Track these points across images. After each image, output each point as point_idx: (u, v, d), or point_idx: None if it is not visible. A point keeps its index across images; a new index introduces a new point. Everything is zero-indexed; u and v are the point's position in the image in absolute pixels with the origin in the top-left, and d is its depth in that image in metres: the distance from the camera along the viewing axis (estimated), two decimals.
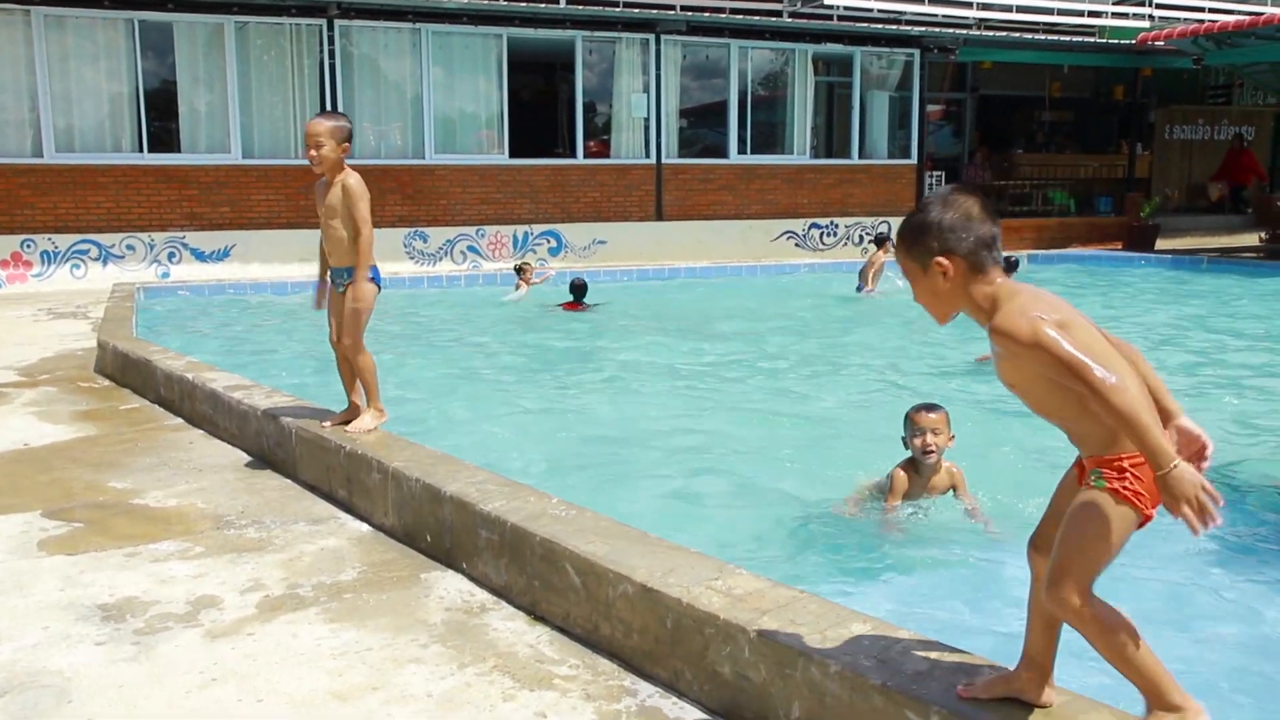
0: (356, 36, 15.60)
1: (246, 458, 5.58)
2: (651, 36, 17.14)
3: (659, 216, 17.54)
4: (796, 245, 18.38)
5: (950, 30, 19.34)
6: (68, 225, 14.18)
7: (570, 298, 12.34)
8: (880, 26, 18.54)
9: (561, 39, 16.75)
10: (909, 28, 18.82)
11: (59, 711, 2.90)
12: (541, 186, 16.79)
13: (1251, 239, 19.73)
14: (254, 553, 4.11)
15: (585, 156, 17.28)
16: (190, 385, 6.42)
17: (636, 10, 16.91)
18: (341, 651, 3.24)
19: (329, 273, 5.07)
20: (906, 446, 4.93)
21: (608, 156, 17.49)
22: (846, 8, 18.43)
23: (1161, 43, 18.71)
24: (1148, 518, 2.20)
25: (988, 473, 5.31)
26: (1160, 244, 19.40)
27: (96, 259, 14.29)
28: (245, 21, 14.89)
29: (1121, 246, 19.54)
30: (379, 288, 5.08)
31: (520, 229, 16.60)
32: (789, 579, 3.24)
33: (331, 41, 15.26)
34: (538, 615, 3.50)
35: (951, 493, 4.91)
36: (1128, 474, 2.17)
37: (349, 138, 4.92)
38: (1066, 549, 2.20)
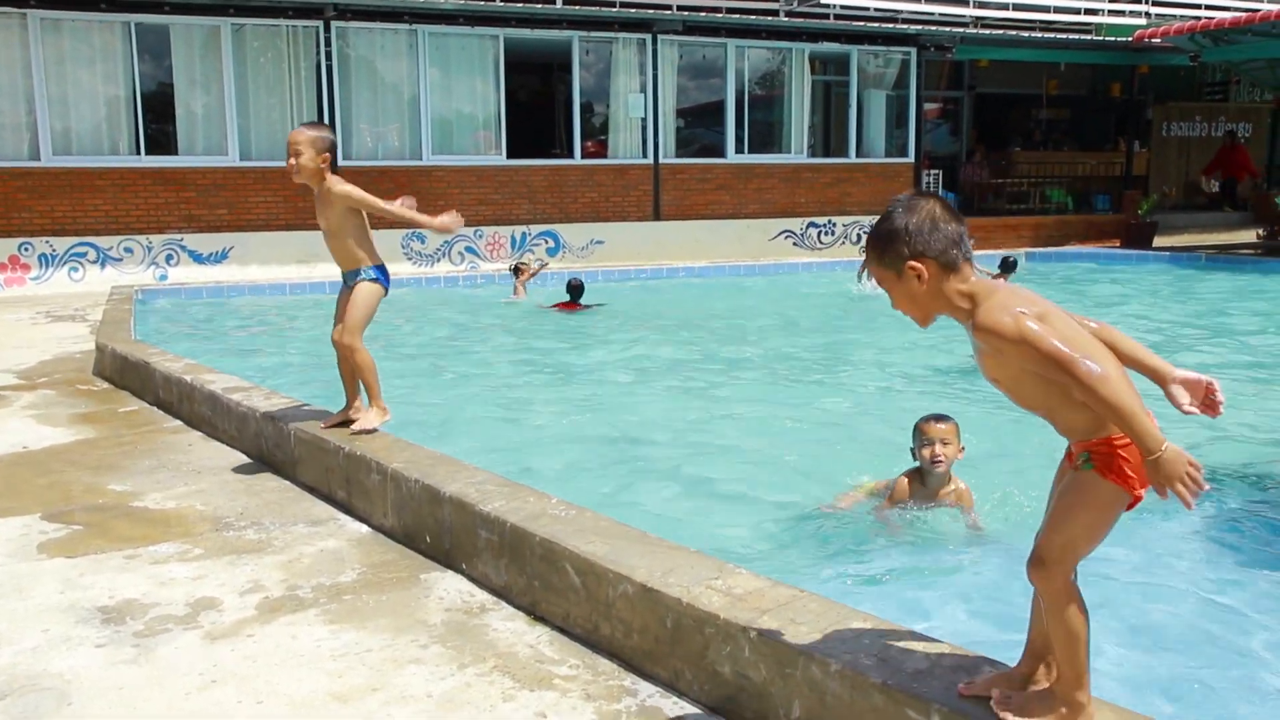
0: (353, 38, 15.59)
1: (245, 459, 5.58)
2: (648, 36, 17.14)
3: (657, 216, 17.54)
4: (794, 244, 18.38)
5: (947, 28, 19.35)
6: (65, 228, 14.17)
7: (567, 298, 12.34)
8: (877, 25, 18.54)
9: (558, 39, 16.75)
10: (906, 26, 18.83)
11: (59, 714, 2.89)
12: (539, 187, 16.79)
13: (1249, 236, 19.73)
14: (253, 554, 4.11)
15: (583, 157, 17.27)
16: (189, 387, 6.42)
17: (633, 10, 16.91)
18: (341, 653, 3.24)
19: (344, 275, 5.09)
20: (914, 457, 4.83)
21: (605, 157, 17.48)
22: (843, 7, 18.44)
23: (1158, 40, 18.73)
24: (1137, 498, 2.25)
25: (988, 472, 5.31)
26: (1158, 241, 19.41)
27: (94, 262, 14.28)
28: (242, 24, 14.88)
29: (1119, 244, 19.54)
30: (385, 289, 5.09)
31: (518, 229, 16.60)
32: (789, 578, 3.24)
33: (328, 43, 15.25)
34: (538, 615, 3.50)
35: (958, 510, 4.80)
36: (1115, 455, 2.21)
37: (330, 149, 4.93)
38: (1055, 528, 2.25)
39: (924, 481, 4.79)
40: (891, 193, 18.77)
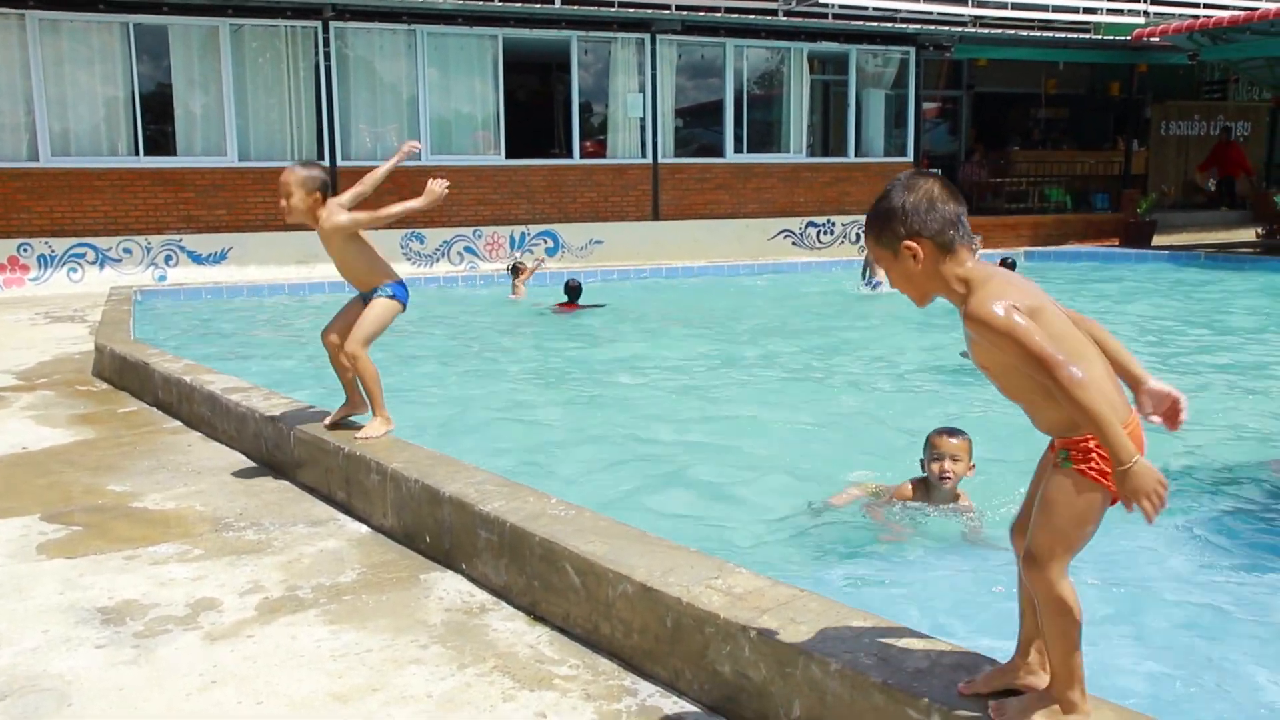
0: (351, 38, 15.58)
1: (245, 460, 5.58)
2: (647, 36, 17.14)
3: (656, 216, 17.54)
4: (794, 244, 18.38)
5: (946, 28, 19.34)
6: (64, 229, 14.17)
7: (565, 298, 12.34)
8: (875, 24, 18.54)
9: (557, 39, 16.74)
10: (904, 25, 18.83)
11: (59, 715, 2.89)
12: (538, 187, 16.78)
13: (1248, 234, 19.74)
14: (253, 555, 4.11)
15: (582, 157, 17.27)
16: (188, 388, 6.42)
17: (631, 10, 16.90)
18: (341, 653, 3.24)
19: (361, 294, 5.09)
20: (923, 468, 4.75)
21: (604, 156, 17.48)
22: (842, 6, 18.44)
23: (1157, 38, 18.72)
24: (1117, 495, 2.25)
25: (988, 474, 5.31)
26: (1157, 240, 19.42)
27: (93, 262, 14.28)
28: (240, 24, 14.88)
29: (1118, 243, 19.55)
30: (403, 306, 5.09)
31: (517, 229, 16.60)
32: (789, 578, 3.24)
33: (327, 44, 15.24)
34: (537, 615, 3.50)
35: (959, 515, 4.73)
36: (1093, 454, 2.22)
37: (322, 187, 4.93)
38: (1041, 527, 2.26)
39: (928, 493, 4.72)
40: None
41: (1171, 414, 2.39)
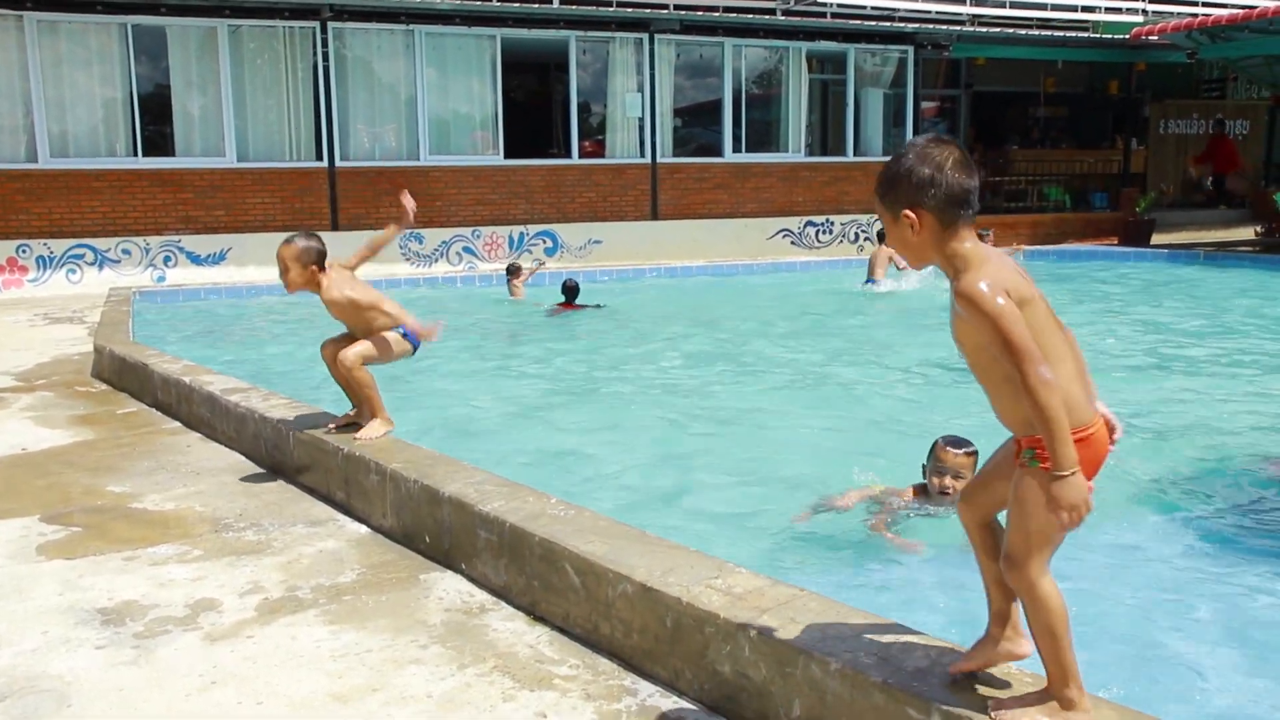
0: (350, 39, 15.58)
1: (244, 461, 5.57)
2: (645, 36, 17.13)
3: (655, 216, 17.54)
4: (792, 243, 18.38)
5: (944, 27, 19.35)
6: (63, 230, 14.16)
7: (563, 299, 12.34)
8: (874, 24, 18.54)
9: (555, 39, 16.74)
10: (903, 24, 18.83)
11: (59, 716, 2.89)
12: (537, 187, 16.78)
13: (1247, 233, 19.75)
14: (253, 555, 4.11)
15: (580, 156, 17.27)
16: (187, 388, 6.42)
17: (630, 10, 16.90)
18: (341, 653, 3.24)
19: None
20: (924, 475, 4.63)
21: (603, 156, 17.48)
22: (840, 5, 18.44)
23: (1155, 37, 18.72)
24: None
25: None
26: (1156, 239, 19.43)
27: (92, 263, 14.27)
28: (238, 25, 14.87)
29: (1117, 242, 19.56)
30: (412, 349, 5.07)
31: (516, 229, 16.59)
32: (789, 577, 3.24)
33: (325, 44, 15.24)
34: (537, 615, 3.50)
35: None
36: None
37: (318, 259, 4.90)
38: (1016, 531, 2.27)
39: (928, 498, 4.65)
40: None
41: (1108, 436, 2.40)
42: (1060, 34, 20.56)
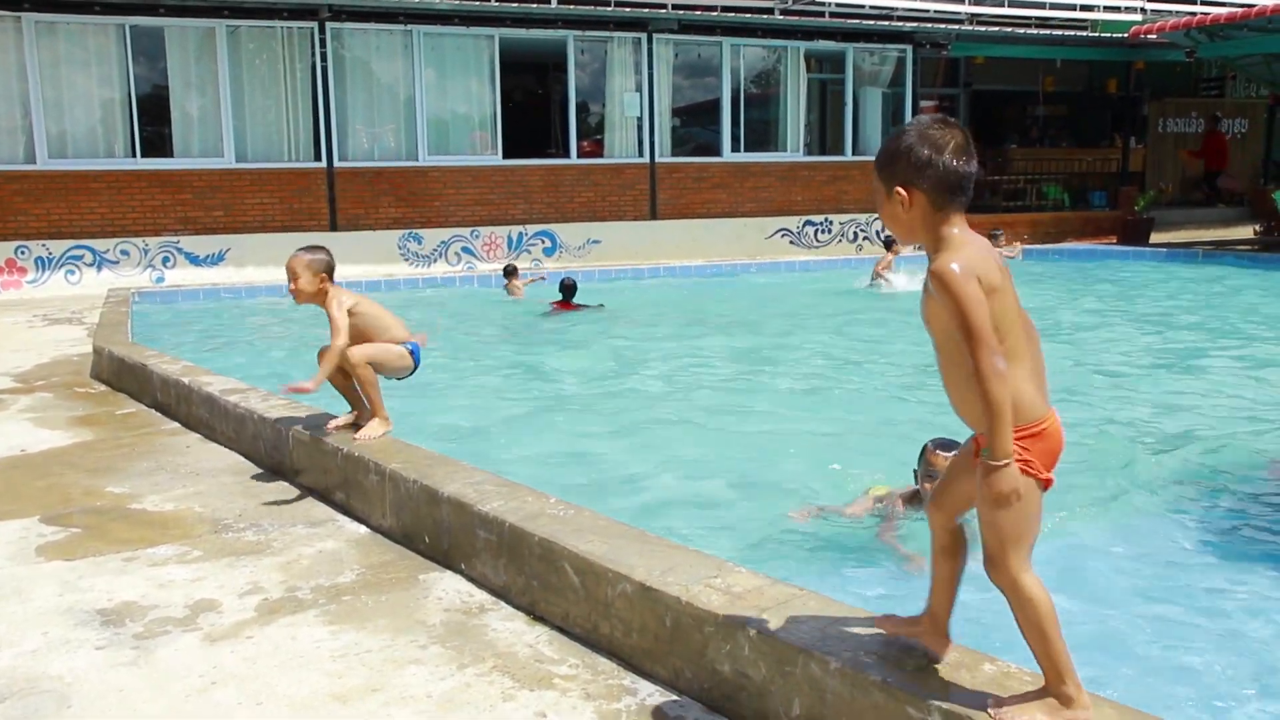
0: (348, 39, 15.58)
1: (244, 461, 5.57)
2: (643, 35, 17.13)
3: (653, 215, 17.54)
4: (791, 243, 18.39)
5: (942, 25, 19.35)
6: (61, 231, 14.16)
7: (560, 297, 12.34)
8: (872, 23, 18.55)
9: (553, 39, 16.74)
10: (901, 24, 18.84)
11: (59, 716, 2.89)
12: (535, 187, 16.78)
13: (1246, 231, 19.76)
14: (252, 556, 4.11)
15: (579, 156, 17.27)
16: (186, 389, 6.41)
17: (628, 9, 16.91)
18: (341, 653, 3.24)
19: None
20: (916, 479, 4.59)
21: (601, 156, 17.48)
22: (838, 4, 18.46)
23: (1154, 36, 18.72)
24: (1048, 481, 2.30)
25: None
26: (1155, 237, 19.44)
27: (91, 264, 14.27)
28: (237, 25, 14.87)
29: (1116, 240, 19.56)
30: (413, 366, 5.08)
31: (515, 230, 16.59)
32: (788, 577, 3.24)
33: (323, 44, 15.23)
34: (537, 615, 3.50)
35: None
36: (1015, 447, 2.25)
37: (328, 269, 4.88)
38: (989, 531, 2.29)
39: (921, 507, 4.61)
40: None
41: None
42: (1059, 33, 20.57)
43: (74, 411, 6.92)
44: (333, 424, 5.05)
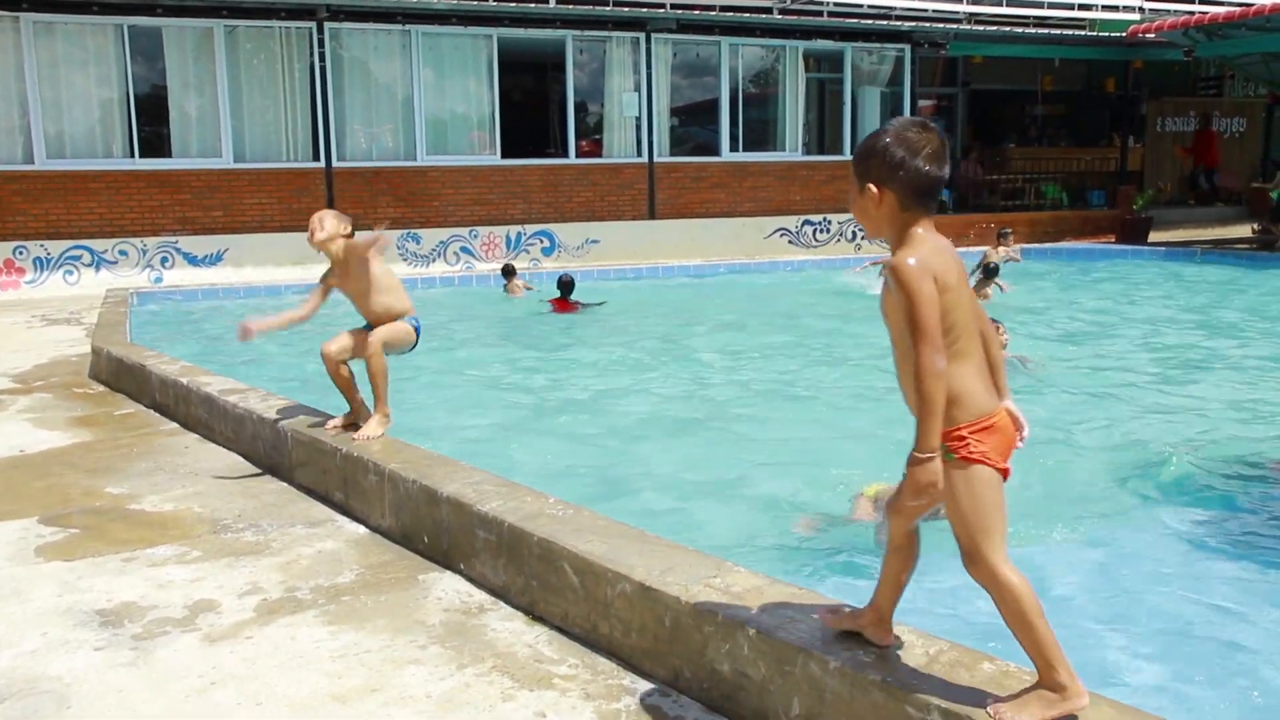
0: (346, 39, 15.57)
1: (243, 461, 5.57)
2: (642, 35, 17.13)
3: (652, 215, 17.53)
4: (790, 242, 18.39)
5: (941, 25, 19.35)
6: (60, 231, 14.15)
7: (558, 294, 12.34)
8: (871, 22, 18.54)
9: (552, 39, 16.74)
10: (899, 23, 18.84)
11: (58, 717, 2.89)
12: (534, 187, 16.78)
13: (1244, 230, 19.77)
14: (251, 556, 4.11)
15: (577, 156, 17.26)
16: (185, 390, 6.41)
17: (626, 9, 16.90)
18: (340, 654, 3.24)
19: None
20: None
21: (600, 156, 17.47)
22: (836, 4, 18.45)
23: (1152, 35, 18.73)
24: (1005, 471, 2.36)
25: None
26: (1153, 236, 19.44)
27: (89, 265, 14.26)
28: (235, 25, 14.86)
29: (1115, 240, 19.57)
30: (415, 343, 5.14)
31: (513, 229, 16.59)
32: (788, 576, 3.24)
33: (321, 44, 15.22)
34: (536, 615, 3.50)
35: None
36: (968, 440, 2.32)
37: (351, 232, 5.04)
38: (961, 527, 2.35)
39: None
40: None
41: (1015, 432, 2.48)
42: (1057, 32, 20.57)
43: (73, 412, 6.91)
44: (331, 424, 5.05)
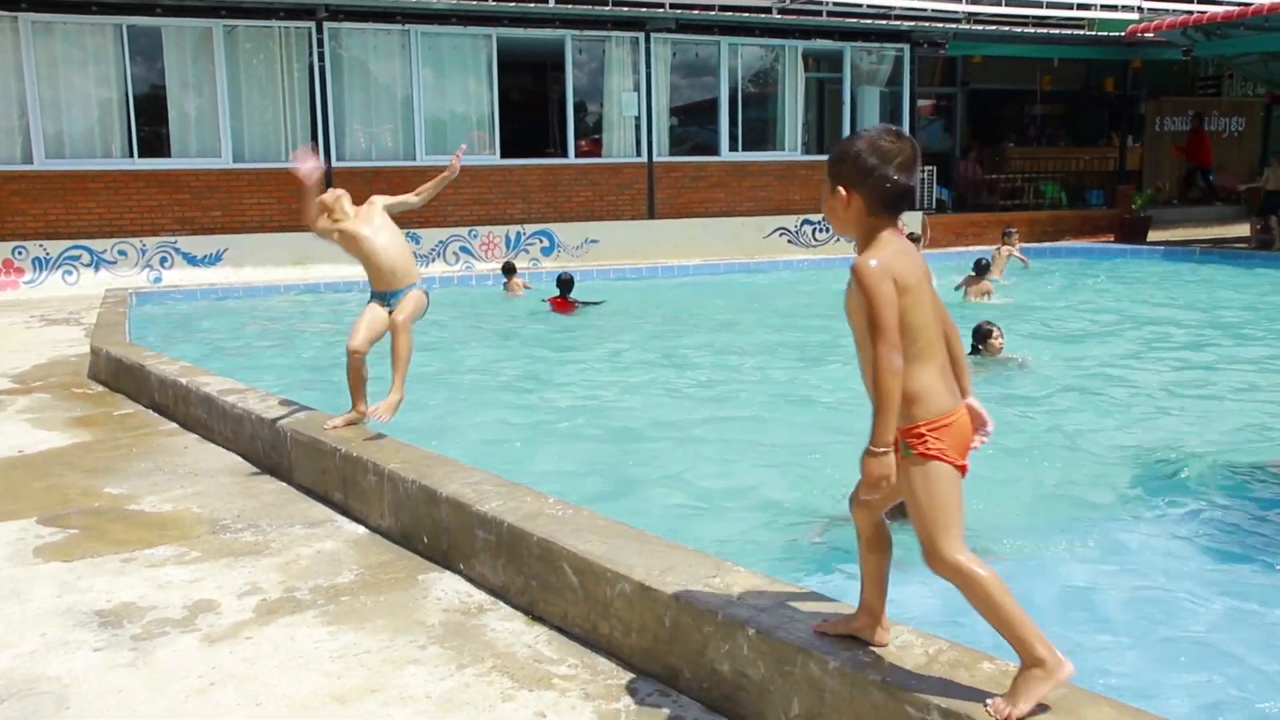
0: (345, 39, 15.56)
1: (242, 461, 5.57)
2: (641, 35, 17.13)
3: (651, 215, 17.53)
4: (789, 242, 18.39)
5: (940, 25, 19.35)
6: (59, 232, 14.15)
7: (557, 293, 12.33)
8: (870, 22, 18.54)
9: (551, 38, 16.73)
10: (898, 23, 18.83)
11: (58, 718, 2.89)
12: (533, 186, 16.78)
13: (1243, 230, 19.76)
14: (251, 556, 4.11)
15: (577, 156, 17.26)
16: (184, 390, 6.41)
17: (625, 9, 16.89)
18: (340, 654, 3.24)
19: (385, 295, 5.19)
20: None
21: (599, 156, 17.47)
22: (836, 3, 18.44)
23: (1151, 35, 18.73)
24: (963, 468, 2.42)
25: (973, 475, 5.29)
26: (1152, 236, 19.44)
27: (88, 265, 14.25)
28: (234, 25, 14.85)
29: (1114, 239, 19.57)
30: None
31: (513, 229, 16.59)
32: (787, 576, 3.24)
33: (320, 44, 15.22)
34: (536, 615, 3.50)
35: None
36: (926, 437, 2.39)
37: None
38: (920, 522, 2.40)
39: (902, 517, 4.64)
40: None
41: (979, 428, 2.55)
42: (1056, 32, 20.56)
43: (72, 412, 6.91)
44: (330, 424, 5.05)
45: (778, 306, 13.04)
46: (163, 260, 14.60)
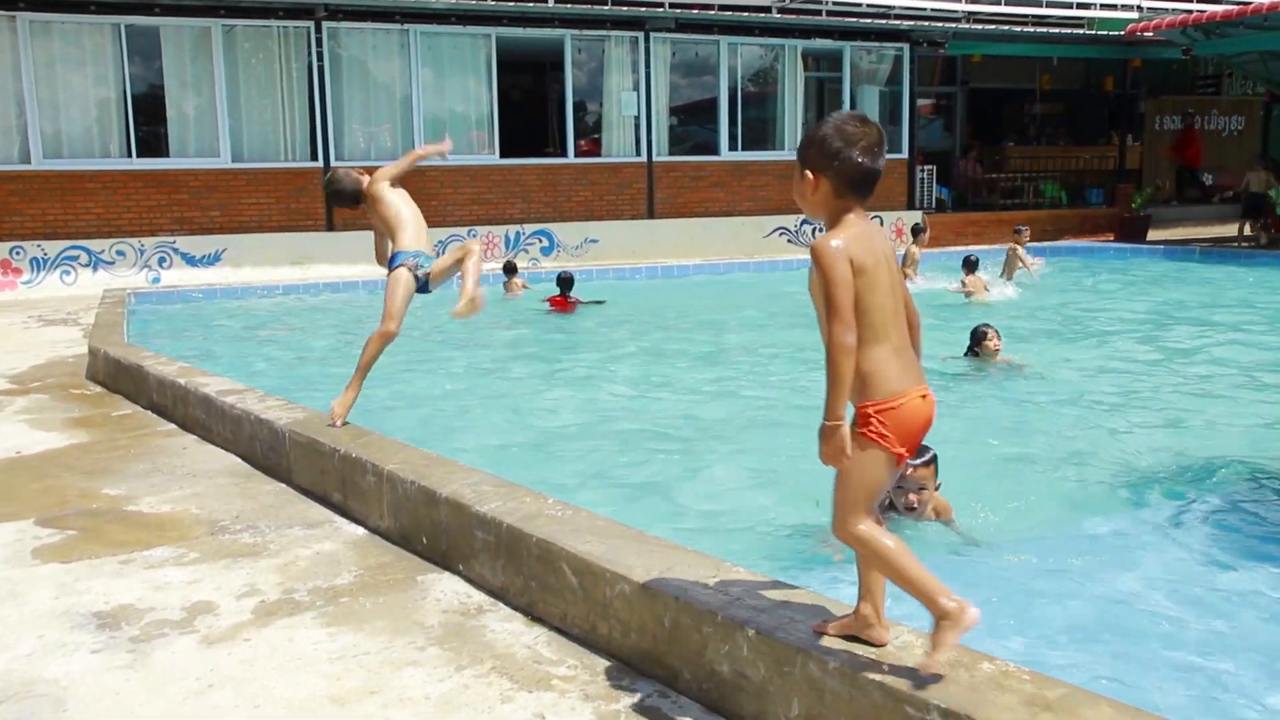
0: (344, 38, 15.56)
1: (240, 462, 5.56)
2: (640, 34, 17.13)
3: (651, 214, 17.53)
4: (789, 241, 18.38)
5: (939, 24, 19.35)
6: (57, 232, 14.14)
7: (557, 292, 12.32)
8: (869, 21, 18.54)
9: (550, 38, 16.73)
10: (898, 22, 18.84)
11: None
12: (533, 186, 16.77)
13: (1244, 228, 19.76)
14: (249, 558, 4.10)
15: (576, 155, 17.26)
16: (183, 390, 6.40)
17: (625, 9, 16.89)
18: (339, 655, 3.23)
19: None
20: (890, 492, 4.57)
21: (599, 155, 17.47)
22: (835, 3, 18.44)
23: (1150, 34, 18.73)
24: (899, 456, 2.49)
25: (973, 477, 5.30)
26: (1152, 235, 19.45)
27: (86, 265, 14.25)
28: (232, 25, 14.85)
29: (1113, 238, 19.58)
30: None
31: (512, 229, 16.59)
32: (787, 576, 3.23)
33: (319, 44, 15.22)
34: (535, 616, 3.49)
35: (941, 521, 4.62)
36: (872, 420, 2.47)
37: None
38: (840, 492, 2.51)
39: (898, 518, 4.53)
40: (885, 189, 18.82)
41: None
42: (1056, 31, 20.57)
43: (70, 413, 6.90)
44: (330, 424, 5.05)
45: (777, 306, 13.03)
46: (161, 260, 14.60)
